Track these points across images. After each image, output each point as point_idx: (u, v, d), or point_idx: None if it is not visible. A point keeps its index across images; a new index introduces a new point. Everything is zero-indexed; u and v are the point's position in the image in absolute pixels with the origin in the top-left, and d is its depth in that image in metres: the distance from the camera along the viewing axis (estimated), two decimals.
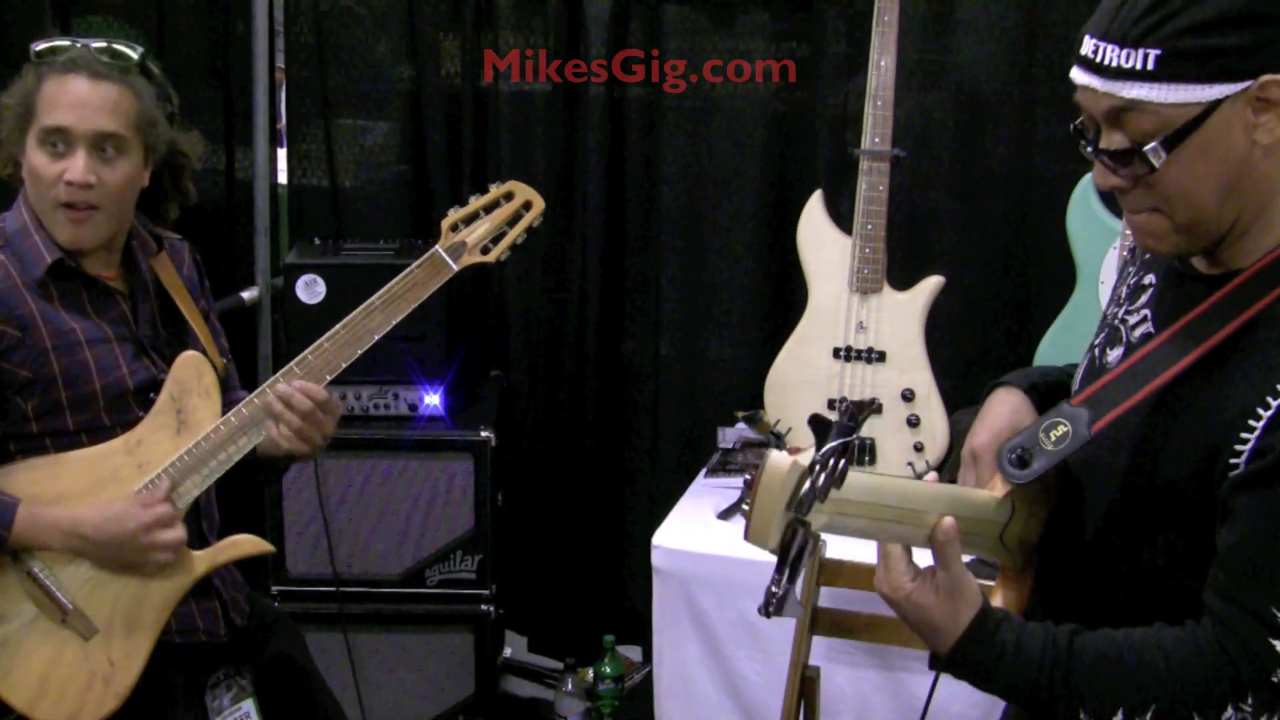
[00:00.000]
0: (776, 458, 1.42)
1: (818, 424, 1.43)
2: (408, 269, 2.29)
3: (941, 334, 3.22)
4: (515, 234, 2.36)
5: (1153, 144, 1.41)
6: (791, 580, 1.44)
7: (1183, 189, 1.43)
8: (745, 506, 1.47)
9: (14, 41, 3.02)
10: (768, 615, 1.46)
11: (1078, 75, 1.46)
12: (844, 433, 1.41)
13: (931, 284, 3.00)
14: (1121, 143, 1.44)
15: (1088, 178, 2.85)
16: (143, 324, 2.29)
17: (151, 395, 2.24)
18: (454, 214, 2.34)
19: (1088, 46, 1.44)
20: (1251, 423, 1.38)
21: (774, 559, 1.45)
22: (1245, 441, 1.38)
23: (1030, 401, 1.69)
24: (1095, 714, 1.44)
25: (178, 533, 2.17)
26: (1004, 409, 1.68)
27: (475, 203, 2.35)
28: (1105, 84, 1.43)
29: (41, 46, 2.17)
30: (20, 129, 2.14)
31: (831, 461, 1.40)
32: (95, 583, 2.15)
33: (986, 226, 3.43)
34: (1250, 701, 1.39)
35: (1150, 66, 1.38)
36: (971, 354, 3.44)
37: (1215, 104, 1.38)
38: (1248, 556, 1.39)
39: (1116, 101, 1.42)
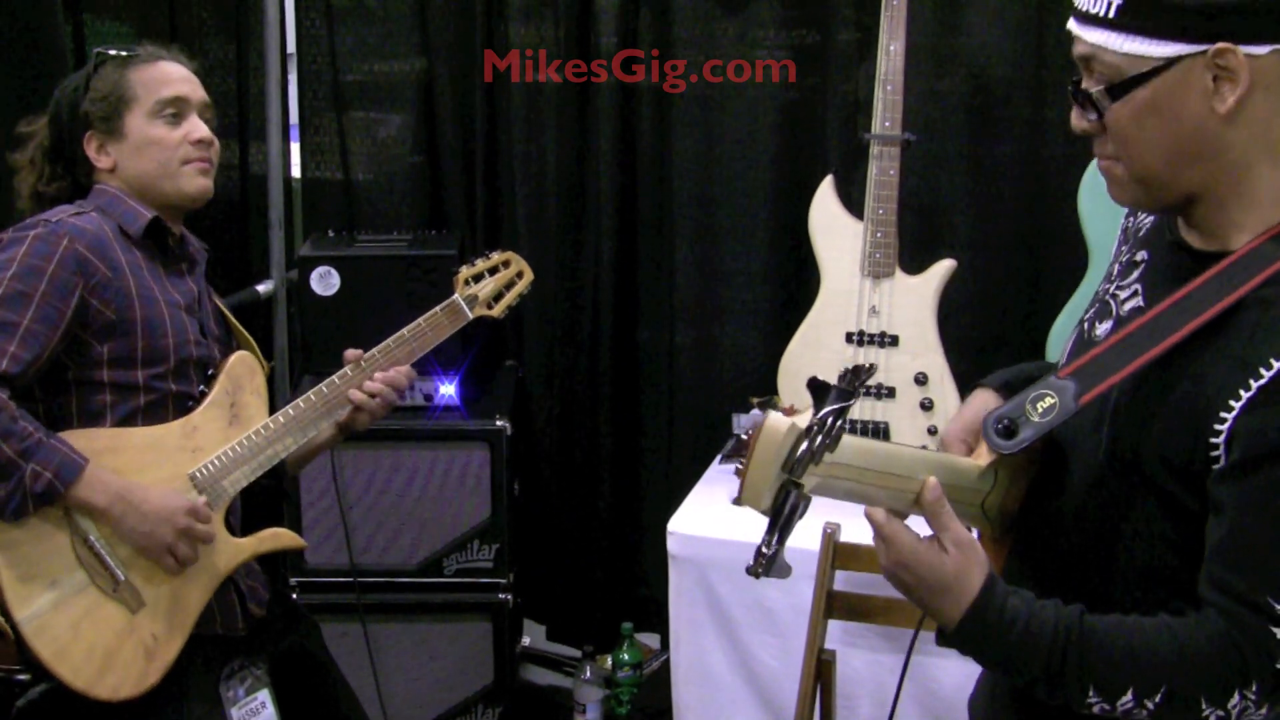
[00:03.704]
0: (775, 418, 1.43)
1: (815, 387, 1.44)
2: (432, 310, 2.54)
3: (954, 317, 3.22)
4: (510, 298, 2.67)
5: (1099, 88, 1.45)
6: (781, 541, 1.46)
7: (1133, 140, 1.46)
8: (739, 466, 1.47)
9: (26, 35, 3.04)
10: (756, 576, 1.47)
11: (1070, 22, 1.52)
12: (842, 396, 1.43)
13: (943, 268, 3.00)
14: (1088, 86, 1.48)
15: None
16: (202, 310, 2.40)
17: (210, 372, 2.35)
18: (466, 270, 2.62)
19: None
20: (1231, 402, 1.39)
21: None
22: (1224, 421, 1.39)
23: (1003, 398, 1.71)
24: (1105, 693, 1.44)
25: (210, 529, 2.25)
26: (978, 404, 1.72)
27: (481, 264, 2.64)
28: (1078, 28, 1.49)
29: (113, 52, 2.37)
30: (115, 115, 2.32)
31: (828, 423, 1.41)
32: (146, 557, 2.20)
33: (998, 210, 3.42)
34: (1255, 689, 1.40)
35: (1111, 14, 1.43)
36: (984, 337, 3.43)
37: (1170, 62, 1.41)
38: (1238, 549, 1.40)
39: (1084, 46, 1.47)
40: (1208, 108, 1.41)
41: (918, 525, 1.52)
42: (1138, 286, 1.59)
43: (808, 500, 1.46)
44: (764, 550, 1.46)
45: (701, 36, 3.58)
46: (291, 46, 3.87)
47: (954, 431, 1.67)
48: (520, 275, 2.68)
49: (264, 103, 3.77)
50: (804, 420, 1.43)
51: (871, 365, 1.46)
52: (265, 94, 3.76)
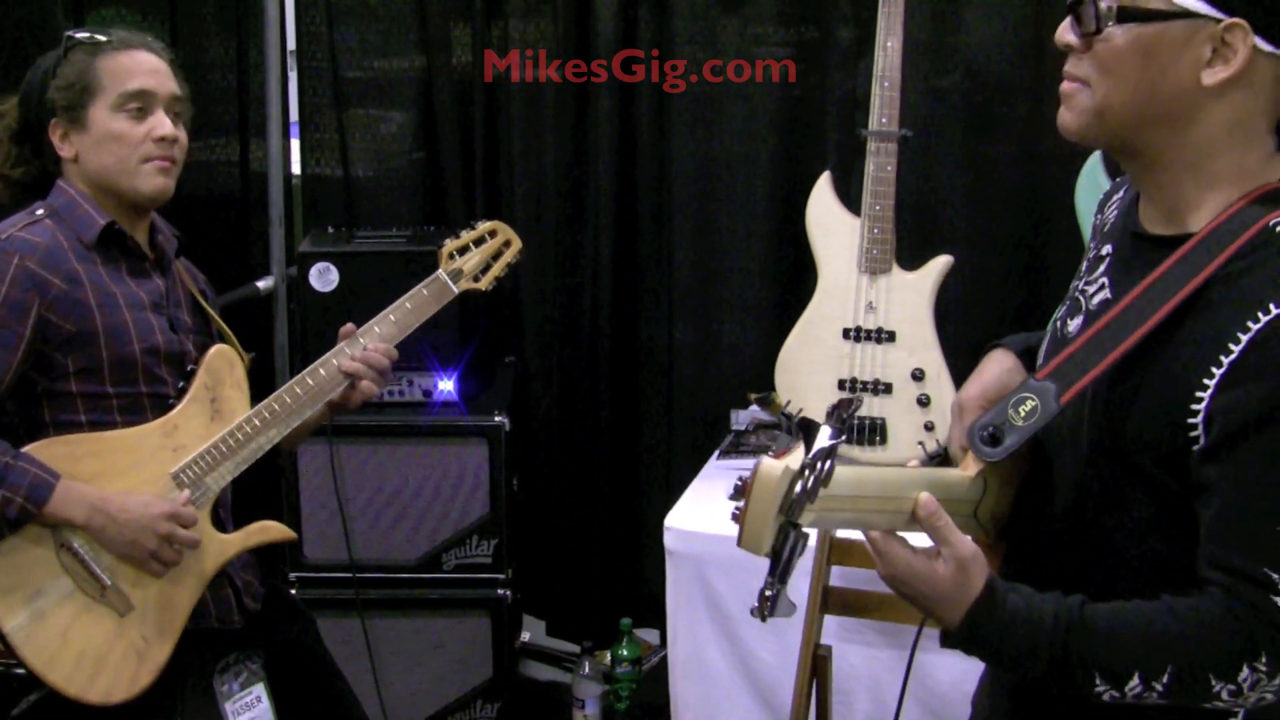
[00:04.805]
0: (768, 464, 1.43)
1: (805, 425, 1.45)
2: (415, 288, 2.47)
3: (951, 313, 3.23)
4: (498, 268, 2.60)
5: (1109, 2, 1.45)
6: (783, 581, 1.46)
7: (1113, 70, 1.47)
8: (736, 511, 1.48)
9: (27, 31, 3.05)
10: (763, 619, 1.47)
11: None
12: (832, 433, 1.44)
13: (940, 264, 3.00)
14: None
15: (1096, 155, 2.86)
16: (172, 304, 2.37)
17: (190, 368, 2.32)
18: (451, 243, 2.55)
19: None
20: (1206, 380, 1.40)
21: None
22: (1200, 401, 1.40)
23: (1023, 364, 1.70)
24: (1111, 679, 1.43)
25: (194, 535, 2.23)
26: (996, 367, 1.70)
27: (467, 236, 2.57)
28: None
29: (81, 35, 2.30)
30: (79, 105, 2.26)
31: (819, 464, 1.42)
32: (131, 565, 2.19)
33: (996, 206, 3.43)
34: (1265, 660, 1.39)
35: None
36: (981, 333, 3.42)
37: (1186, 14, 1.41)
38: (1230, 524, 1.40)
39: None
40: (1195, 76, 1.42)
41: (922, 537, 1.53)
42: (1105, 280, 1.59)
43: (806, 538, 1.47)
44: (767, 593, 1.46)
45: (701, 35, 3.59)
46: (292, 44, 3.88)
47: (972, 396, 1.66)
48: (508, 244, 2.60)
49: (264, 99, 3.78)
50: (796, 461, 1.43)
51: (857, 397, 1.45)
52: (266, 91, 3.77)
